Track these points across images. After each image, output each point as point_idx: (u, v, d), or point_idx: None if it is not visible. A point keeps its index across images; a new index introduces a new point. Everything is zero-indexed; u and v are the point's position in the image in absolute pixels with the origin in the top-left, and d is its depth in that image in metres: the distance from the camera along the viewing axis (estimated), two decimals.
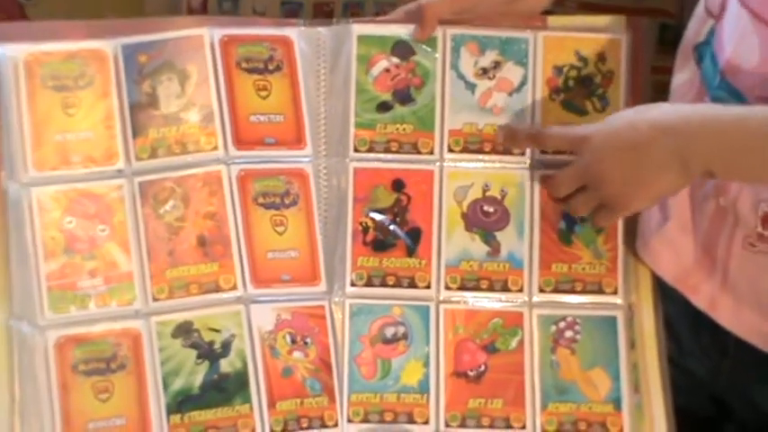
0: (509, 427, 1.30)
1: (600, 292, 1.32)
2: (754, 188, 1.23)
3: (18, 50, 1.28)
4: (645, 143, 1.19)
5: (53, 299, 1.25)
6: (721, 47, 1.25)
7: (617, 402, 1.30)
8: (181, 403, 1.26)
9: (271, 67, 1.32)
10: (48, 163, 1.27)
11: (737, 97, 1.22)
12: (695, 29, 1.31)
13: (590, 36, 1.35)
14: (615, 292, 1.32)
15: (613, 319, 1.31)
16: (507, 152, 1.33)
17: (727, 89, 1.23)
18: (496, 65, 1.34)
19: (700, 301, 1.32)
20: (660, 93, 1.35)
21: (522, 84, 1.34)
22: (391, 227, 1.31)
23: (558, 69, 1.34)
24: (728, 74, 1.23)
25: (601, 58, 1.34)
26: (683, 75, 1.32)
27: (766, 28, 1.18)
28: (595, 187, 1.25)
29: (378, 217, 1.31)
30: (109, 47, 1.30)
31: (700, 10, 1.31)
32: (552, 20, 1.36)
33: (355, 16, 1.54)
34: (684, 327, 1.36)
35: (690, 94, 1.30)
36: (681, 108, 1.23)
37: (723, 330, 1.30)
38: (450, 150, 1.33)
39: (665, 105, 1.24)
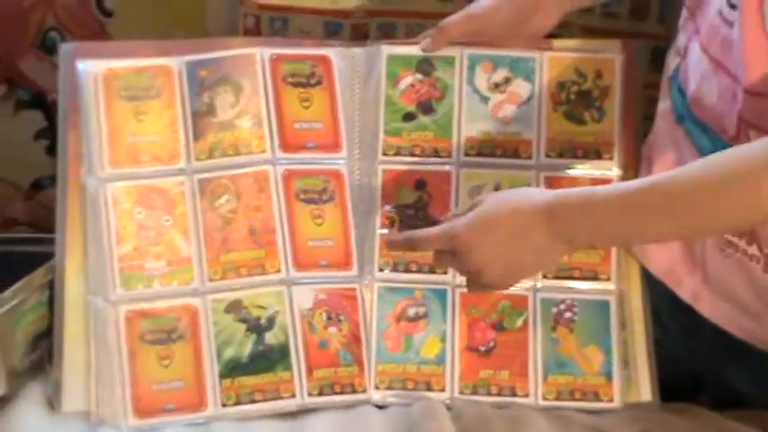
0: (514, 395, 1.42)
1: (595, 278, 1.44)
2: None
3: (97, 66, 1.42)
4: (524, 233, 1.24)
5: (124, 278, 1.39)
6: (686, 83, 1.35)
7: (608, 375, 1.42)
8: (231, 370, 1.38)
9: (312, 82, 1.46)
10: (121, 162, 1.41)
11: (703, 129, 1.31)
12: (669, 62, 1.42)
13: (589, 56, 1.48)
14: (608, 279, 1.44)
15: (606, 303, 1.44)
16: (516, 156, 1.46)
17: (693, 121, 1.34)
18: (507, 80, 1.47)
19: (684, 293, 1.41)
20: (652, 105, 1.48)
21: (530, 97, 1.47)
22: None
23: (561, 85, 1.47)
24: (694, 107, 1.33)
25: (598, 75, 1.47)
26: (664, 104, 1.43)
27: (721, 71, 1.27)
28: (475, 275, 1.29)
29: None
30: (174, 63, 1.44)
31: (673, 45, 1.42)
32: (557, 42, 1.49)
33: (388, 35, 1.69)
34: (667, 313, 1.45)
35: (668, 121, 1.40)
36: (553, 193, 1.26)
37: (700, 317, 1.38)
38: (466, 154, 1.46)
39: (534, 191, 1.32)
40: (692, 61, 1.35)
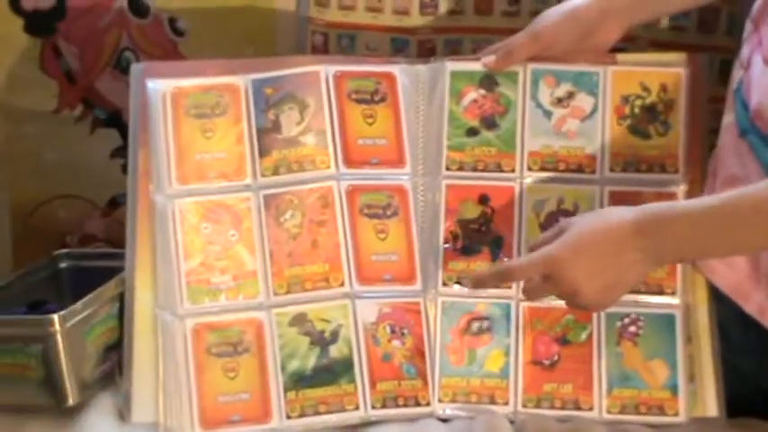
0: (578, 408, 1.42)
1: (660, 293, 1.44)
2: None
3: (165, 85, 1.46)
4: (617, 249, 1.27)
5: (191, 292, 1.41)
6: (749, 95, 1.35)
7: (674, 389, 1.42)
8: (296, 382, 1.40)
9: (376, 99, 1.48)
10: (188, 178, 1.44)
11: (766, 142, 1.32)
12: (734, 75, 1.42)
13: (653, 70, 1.48)
14: (674, 294, 1.44)
15: (672, 317, 1.43)
16: (580, 170, 1.46)
17: (757, 134, 1.34)
18: (570, 95, 1.47)
19: (750, 308, 1.40)
20: (718, 119, 1.46)
21: (594, 111, 1.47)
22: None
23: (625, 99, 1.47)
24: (757, 120, 1.33)
25: (663, 88, 1.47)
26: (728, 117, 1.42)
27: None
28: (570, 298, 1.32)
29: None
30: (241, 81, 1.46)
31: (738, 57, 1.42)
32: (621, 56, 1.49)
33: (455, 51, 1.69)
34: (735, 328, 1.43)
35: (732, 135, 1.40)
36: (639, 209, 1.28)
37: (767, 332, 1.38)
38: (529, 169, 1.46)
39: (620, 209, 1.31)
40: (754, 74, 1.35)
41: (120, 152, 1.81)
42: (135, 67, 1.50)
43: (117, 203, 1.84)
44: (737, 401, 1.43)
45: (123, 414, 1.41)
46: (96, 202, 1.86)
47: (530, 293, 1.35)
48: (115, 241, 1.82)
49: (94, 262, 1.62)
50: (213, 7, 1.74)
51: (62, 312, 1.38)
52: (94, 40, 1.79)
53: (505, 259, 1.45)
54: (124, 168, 1.82)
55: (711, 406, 1.43)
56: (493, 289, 1.45)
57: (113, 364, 1.45)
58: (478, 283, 1.41)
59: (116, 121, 1.81)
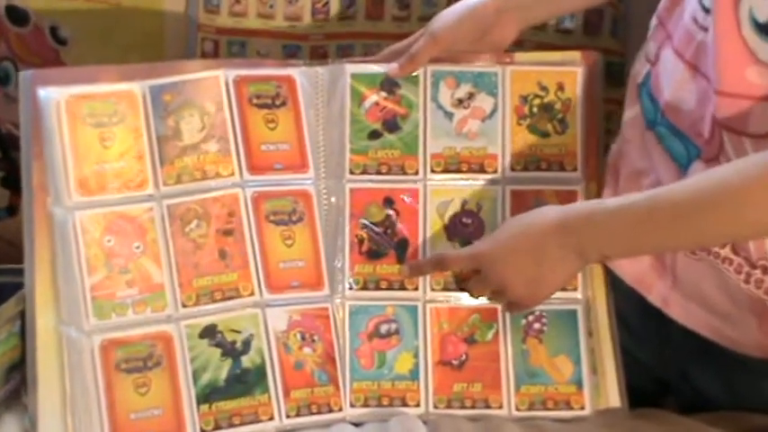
0: (488, 407, 1.44)
1: (563, 289, 1.44)
2: None
3: (59, 93, 1.40)
4: (539, 245, 1.34)
5: (96, 307, 1.37)
6: (659, 89, 1.39)
7: (579, 383, 1.45)
8: (209, 395, 1.38)
9: (278, 103, 1.46)
10: (88, 189, 1.39)
11: (677, 134, 1.36)
12: (637, 70, 1.46)
13: (550, 69, 1.50)
14: (575, 289, 1.46)
15: (574, 312, 1.46)
16: (482, 171, 1.47)
17: (667, 126, 1.38)
18: (471, 96, 1.49)
19: (654, 299, 1.44)
20: (608, 120, 1.52)
21: (494, 111, 1.49)
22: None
23: (524, 98, 1.49)
24: (669, 114, 1.37)
25: (560, 87, 1.49)
26: (631, 111, 1.46)
27: (699, 76, 1.32)
28: (500, 292, 1.40)
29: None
30: (138, 88, 1.42)
31: (641, 53, 1.46)
32: (518, 56, 1.51)
33: (346, 56, 1.68)
34: (635, 319, 1.48)
35: (637, 129, 1.44)
36: (565, 208, 1.36)
37: (670, 322, 1.43)
38: (433, 171, 1.47)
39: (548, 208, 1.38)
40: (664, 68, 1.39)
41: None
42: (23, 75, 1.43)
43: None
44: (639, 392, 1.48)
45: None
46: None
47: (463, 284, 1.44)
48: None
49: None
50: (98, 10, 1.68)
51: None
52: None
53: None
54: (2, 182, 1.77)
55: (614, 397, 1.46)
56: (399, 291, 1.46)
57: (17, 384, 1.41)
58: (415, 270, 1.45)
59: None
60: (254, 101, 1.46)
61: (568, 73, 1.50)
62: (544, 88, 1.50)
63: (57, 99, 1.41)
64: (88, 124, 1.41)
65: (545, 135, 1.50)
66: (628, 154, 1.47)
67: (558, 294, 1.45)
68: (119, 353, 1.38)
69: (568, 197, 1.48)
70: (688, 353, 1.44)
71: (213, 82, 1.45)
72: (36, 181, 1.40)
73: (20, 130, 1.43)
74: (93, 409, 1.37)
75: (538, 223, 1.35)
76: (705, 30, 1.30)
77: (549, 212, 1.36)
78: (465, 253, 1.43)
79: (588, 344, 1.47)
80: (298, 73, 1.48)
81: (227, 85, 1.45)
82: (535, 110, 1.50)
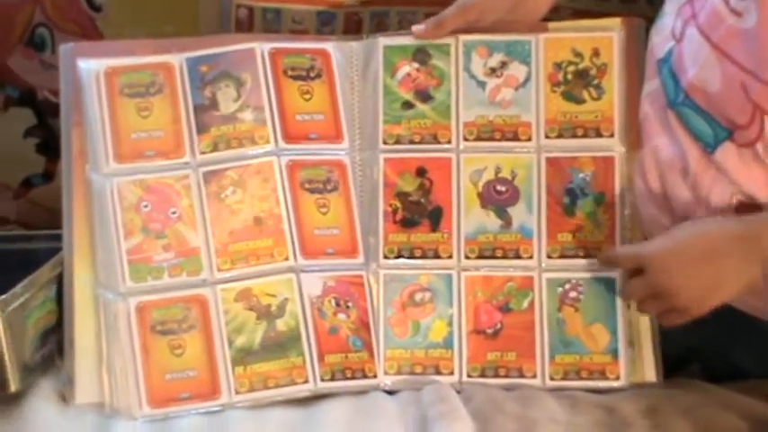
0: (522, 376, 1.44)
1: None
2: (728, 183, 1.35)
3: (97, 64, 1.44)
4: (721, 250, 1.31)
5: (133, 270, 1.40)
6: (682, 68, 1.38)
7: (614, 353, 1.44)
8: (244, 357, 1.40)
9: (312, 75, 1.48)
10: (125, 157, 1.42)
11: (703, 114, 1.35)
12: (658, 44, 1.44)
13: (584, 35, 1.49)
14: None
15: (612, 281, 1.45)
16: (516, 139, 1.47)
17: (692, 106, 1.37)
18: (503, 64, 1.49)
19: None
20: None
21: (527, 79, 1.49)
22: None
23: (558, 65, 1.49)
24: (692, 94, 1.36)
25: (595, 53, 1.49)
26: (651, 85, 1.45)
27: (727, 60, 1.31)
28: (665, 296, 1.34)
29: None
30: (175, 60, 1.45)
31: (661, 26, 1.45)
32: (552, 24, 1.51)
33: (381, 23, 1.71)
34: None
35: (657, 104, 1.43)
36: (743, 218, 1.33)
37: None
38: (465, 139, 1.48)
39: (723, 218, 1.35)
40: (688, 47, 1.38)
41: (34, 132, 1.77)
42: (64, 48, 1.47)
43: (31, 184, 1.80)
44: (664, 359, 1.46)
45: (66, 396, 1.39)
46: (9, 183, 1.82)
47: (629, 293, 1.41)
48: (29, 224, 1.79)
49: (9, 245, 1.58)
50: None
51: (3, 297, 1.35)
52: (5, 17, 1.74)
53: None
54: (38, 148, 1.80)
55: (650, 372, 1.45)
56: (434, 260, 1.47)
57: (53, 348, 1.43)
58: (607, 261, 1.44)
59: (29, 100, 1.77)
60: (290, 72, 1.48)
61: (603, 38, 1.50)
62: (578, 54, 1.49)
63: (96, 70, 1.45)
64: (126, 95, 1.45)
65: (580, 101, 1.49)
66: (648, 129, 1.45)
67: (596, 263, 1.45)
68: (154, 315, 1.40)
69: (605, 163, 1.47)
70: (722, 324, 1.41)
71: (249, 54, 1.47)
72: (75, 148, 1.44)
73: (59, 98, 1.47)
74: (129, 369, 1.39)
75: (717, 229, 1.33)
76: (738, 14, 1.30)
77: (728, 221, 1.33)
78: (633, 253, 1.39)
79: (626, 314, 1.45)
80: (332, 47, 1.50)
81: (262, 57, 1.47)
82: (570, 77, 1.49)
